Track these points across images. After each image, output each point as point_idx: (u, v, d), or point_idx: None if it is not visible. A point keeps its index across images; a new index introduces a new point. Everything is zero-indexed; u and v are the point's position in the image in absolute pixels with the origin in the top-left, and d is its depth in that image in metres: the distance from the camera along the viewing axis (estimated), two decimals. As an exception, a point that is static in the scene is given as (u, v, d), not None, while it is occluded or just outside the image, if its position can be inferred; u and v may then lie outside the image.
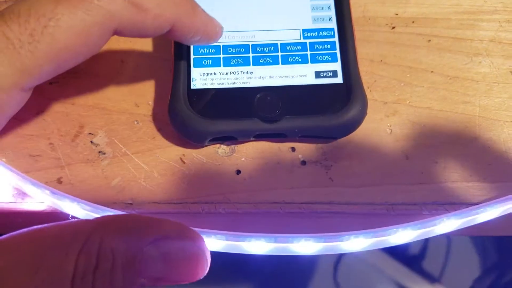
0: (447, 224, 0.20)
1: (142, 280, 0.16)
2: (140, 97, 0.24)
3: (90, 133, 0.23)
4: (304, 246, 0.19)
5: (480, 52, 0.26)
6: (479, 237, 0.98)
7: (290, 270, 0.97)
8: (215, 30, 0.21)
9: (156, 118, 0.24)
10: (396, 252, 0.97)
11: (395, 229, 0.19)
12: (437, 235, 0.21)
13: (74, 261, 0.15)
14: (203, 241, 0.18)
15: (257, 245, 0.19)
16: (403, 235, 0.20)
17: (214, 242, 0.19)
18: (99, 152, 0.23)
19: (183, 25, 0.19)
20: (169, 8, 0.19)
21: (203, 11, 0.20)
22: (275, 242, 0.19)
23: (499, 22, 0.27)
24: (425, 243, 0.99)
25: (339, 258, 0.99)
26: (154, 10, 0.18)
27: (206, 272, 0.17)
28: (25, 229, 0.16)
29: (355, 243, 0.19)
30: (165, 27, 0.19)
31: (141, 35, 0.19)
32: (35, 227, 0.16)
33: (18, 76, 0.16)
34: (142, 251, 0.16)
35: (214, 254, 0.19)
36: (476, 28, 0.27)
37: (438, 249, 0.98)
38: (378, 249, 0.98)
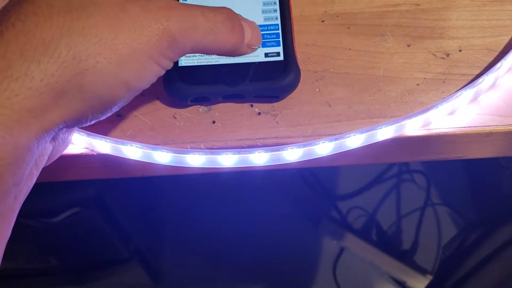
0: (356, 138, 0.30)
1: None
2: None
3: (110, 103, 0.33)
4: (259, 156, 0.29)
5: (386, 33, 0.36)
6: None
7: (291, 270, 1.05)
8: None
9: (155, 90, 0.34)
10: (391, 249, 1.05)
11: (318, 141, 0.29)
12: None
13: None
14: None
15: (227, 158, 0.29)
16: (325, 146, 0.29)
17: (197, 158, 0.29)
18: (117, 115, 0.33)
19: None
20: None
21: None
22: (239, 154, 0.29)
23: (400, 12, 0.37)
24: (416, 240, 1.07)
25: (338, 256, 1.07)
26: None
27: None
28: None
29: (292, 153, 0.29)
30: None
31: None
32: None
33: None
34: None
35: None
36: (383, 16, 0.37)
37: (429, 243, 1.06)
38: (374, 247, 1.05)
